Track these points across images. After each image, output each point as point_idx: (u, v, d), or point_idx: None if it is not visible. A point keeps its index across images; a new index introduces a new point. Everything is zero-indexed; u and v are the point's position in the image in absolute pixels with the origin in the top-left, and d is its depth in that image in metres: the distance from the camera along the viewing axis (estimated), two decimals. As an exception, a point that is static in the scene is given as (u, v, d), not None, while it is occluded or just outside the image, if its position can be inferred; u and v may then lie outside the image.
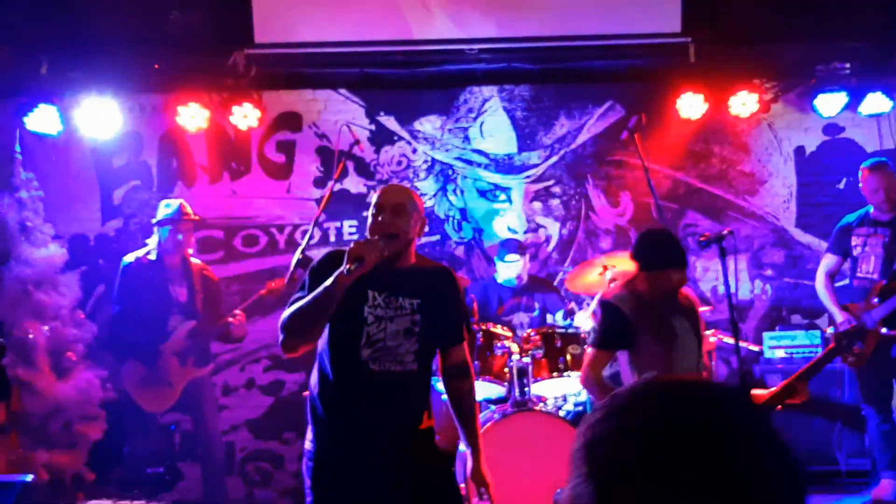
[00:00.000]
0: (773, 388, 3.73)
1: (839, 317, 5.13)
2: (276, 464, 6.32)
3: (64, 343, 5.96)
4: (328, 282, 2.89)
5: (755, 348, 5.94)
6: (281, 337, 3.02)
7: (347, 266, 2.85)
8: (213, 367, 6.19)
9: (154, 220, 5.44)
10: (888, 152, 6.27)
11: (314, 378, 3.11)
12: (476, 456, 3.21)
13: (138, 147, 6.46)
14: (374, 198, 3.13)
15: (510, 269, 5.65)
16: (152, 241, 5.39)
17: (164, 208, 5.40)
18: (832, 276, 5.39)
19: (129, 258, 5.35)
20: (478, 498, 3.23)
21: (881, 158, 5.40)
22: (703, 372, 3.75)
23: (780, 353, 6.02)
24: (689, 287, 3.97)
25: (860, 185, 5.34)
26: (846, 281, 5.53)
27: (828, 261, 5.44)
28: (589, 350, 3.85)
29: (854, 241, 5.27)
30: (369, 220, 3.08)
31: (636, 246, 3.84)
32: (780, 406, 3.66)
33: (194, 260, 5.50)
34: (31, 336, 5.63)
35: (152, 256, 5.33)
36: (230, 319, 5.30)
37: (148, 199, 6.30)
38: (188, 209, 5.42)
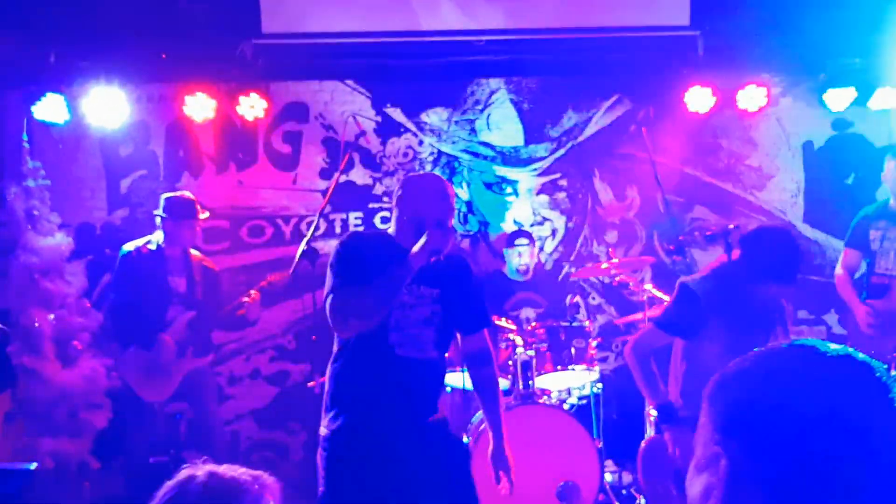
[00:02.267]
0: None
1: (862, 315, 5.05)
2: (280, 454, 6.33)
3: (70, 331, 5.98)
4: (403, 267, 2.95)
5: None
6: (337, 319, 3.02)
7: (426, 256, 2.95)
8: (218, 357, 6.22)
9: (155, 212, 5.39)
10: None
11: (339, 363, 3.12)
12: (499, 439, 3.25)
13: (145, 136, 6.47)
14: (439, 186, 3.16)
15: (520, 256, 5.65)
16: (155, 236, 5.36)
17: (163, 202, 5.35)
18: (851, 272, 5.28)
19: (129, 247, 5.34)
20: (496, 481, 3.24)
21: None
22: None
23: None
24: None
25: (884, 174, 5.18)
26: (857, 274, 5.46)
27: (846, 256, 5.32)
28: (649, 324, 3.67)
29: (872, 234, 5.13)
30: (431, 204, 3.10)
31: (753, 240, 3.49)
32: None
33: (194, 251, 5.50)
34: (37, 324, 5.65)
35: (152, 247, 5.33)
36: (245, 299, 5.29)
37: (155, 188, 6.30)
38: (190, 204, 5.39)
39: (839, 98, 6.15)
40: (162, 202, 5.36)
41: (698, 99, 6.19)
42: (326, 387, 3.16)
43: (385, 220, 6.21)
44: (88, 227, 6.42)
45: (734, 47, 6.17)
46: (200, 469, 1.57)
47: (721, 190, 6.64)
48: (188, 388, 5.33)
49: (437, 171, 6.55)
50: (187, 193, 5.48)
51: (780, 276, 3.37)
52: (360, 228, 6.43)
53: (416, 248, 2.96)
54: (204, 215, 5.46)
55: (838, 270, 5.33)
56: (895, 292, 4.92)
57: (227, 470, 1.55)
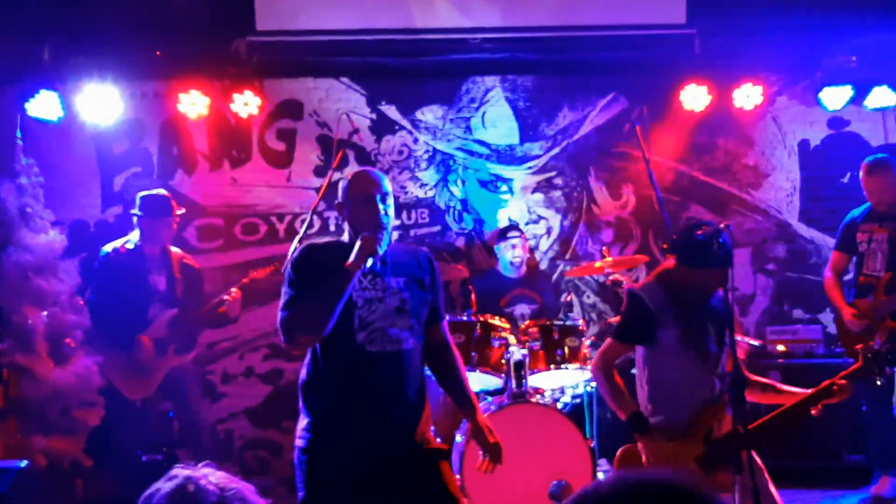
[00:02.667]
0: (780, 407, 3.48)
1: (847, 316, 5.08)
2: (274, 452, 6.32)
3: (63, 329, 5.95)
4: (341, 277, 2.91)
5: (756, 343, 5.91)
6: (285, 337, 2.98)
7: (361, 262, 2.90)
8: (211, 356, 6.21)
9: (132, 212, 5.38)
10: (893, 147, 6.23)
11: (306, 369, 3.09)
12: (475, 418, 3.21)
13: (139, 134, 6.45)
14: (350, 186, 3.10)
15: (514, 248, 5.64)
16: (133, 235, 5.36)
17: (139, 200, 5.34)
18: (839, 274, 5.34)
19: (107, 248, 5.35)
20: (482, 457, 3.20)
21: (881, 157, 5.29)
22: (716, 381, 3.57)
23: (782, 347, 5.99)
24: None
25: (861, 179, 5.29)
26: (849, 275, 5.48)
27: (834, 258, 5.39)
28: (607, 339, 3.70)
29: (860, 237, 5.20)
30: (358, 209, 3.06)
31: (679, 238, 3.59)
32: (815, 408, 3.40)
33: (174, 249, 5.49)
34: (29, 322, 5.62)
35: (130, 246, 5.32)
36: (225, 297, 5.28)
37: (148, 185, 6.25)
38: (163, 203, 5.39)
39: (835, 97, 6.14)
40: (138, 200, 5.37)
41: (694, 97, 6.19)
42: (299, 393, 3.12)
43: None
44: (82, 224, 6.40)
45: (730, 45, 6.16)
46: (183, 471, 1.55)
47: (717, 188, 6.62)
48: (170, 386, 5.32)
49: (431, 169, 6.54)
50: (162, 191, 5.50)
51: (716, 258, 3.39)
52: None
53: (351, 257, 2.93)
54: (179, 212, 5.46)
55: (826, 273, 5.41)
56: (880, 290, 4.97)
57: (216, 477, 1.53)
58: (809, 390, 3.43)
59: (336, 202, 3.18)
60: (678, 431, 3.48)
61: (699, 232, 3.49)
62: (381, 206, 3.04)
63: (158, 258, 5.36)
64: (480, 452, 3.23)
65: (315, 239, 4.78)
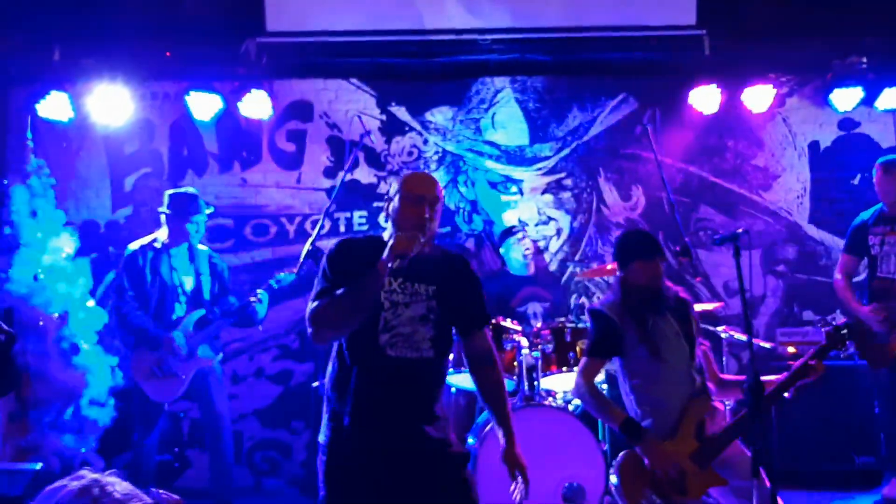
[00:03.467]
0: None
1: (867, 312, 5.04)
2: (284, 453, 6.33)
3: (74, 330, 5.97)
4: (369, 275, 2.89)
5: (767, 345, 5.90)
6: (312, 329, 2.97)
7: (390, 261, 2.87)
8: (222, 357, 6.21)
9: (160, 209, 5.33)
10: (892, 150, 6.21)
11: (331, 367, 3.09)
12: (509, 439, 3.17)
13: (149, 135, 6.46)
14: (403, 184, 3.09)
15: (521, 242, 5.63)
16: (160, 233, 5.29)
17: (166, 199, 5.29)
18: (850, 277, 5.29)
19: (134, 246, 5.27)
20: (511, 479, 3.19)
21: (892, 158, 5.25)
22: (695, 375, 3.69)
23: (792, 349, 5.98)
24: (699, 281, 3.93)
25: (874, 181, 5.23)
26: (861, 276, 5.46)
27: (845, 261, 5.33)
28: (582, 359, 3.85)
29: (871, 240, 5.14)
30: (405, 207, 3.03)
31: (616, 246, 3.91)
32: (788, 391, 3.58)
33: (201, 247, 5.40)
34: (41, 323, 5.64)
35: (157, 245, 5.25)
36: (252, 299, 5.20)
37: (159, 186, 6.29)
38: (191, 201, 5.31)
39: (846, 98, 6.14)
40: (166, 198, 5.31)
41: (704, 98, 6.18)
42: (325, 386, 3.13)
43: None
44: (93, 225, 6.42)
45: (740, 47, 6.15)
46: (80, 480, 1.55)
47: (727, 190, 6.61)
48: (196, 388, 5.24)
49: (441, 171, 6.54)
50: (191, 189, 5.43)
51: (635, 252, 3.73)
52: (366, 227, 6.43)
53: (383, 255, 2.89)
54: (209, 210, 5.41)
55: (837, 275, 5.34)
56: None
57: (113, 485, 1.54)
58: (781, 375, 3.62)
59: (385, 197, 3.17)
60: (669, 430, 3.59)
61: (622, 235, 3.94)
62: (427, 210, 3.01)
63: (186, 257, 5.28)
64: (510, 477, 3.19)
65: (318, 241, 4.80)
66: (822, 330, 3.72)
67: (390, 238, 2.94)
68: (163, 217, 5.28)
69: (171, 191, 5.40)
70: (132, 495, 1.53)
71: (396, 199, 3.09)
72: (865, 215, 5.28)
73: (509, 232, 5.80)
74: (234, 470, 5.51)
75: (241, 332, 6.28)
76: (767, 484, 3.33)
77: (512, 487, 3.14)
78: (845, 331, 3.68)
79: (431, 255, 3.09)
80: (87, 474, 1.56)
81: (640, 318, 3.68)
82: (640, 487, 3.55)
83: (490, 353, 3.21)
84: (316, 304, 2.98)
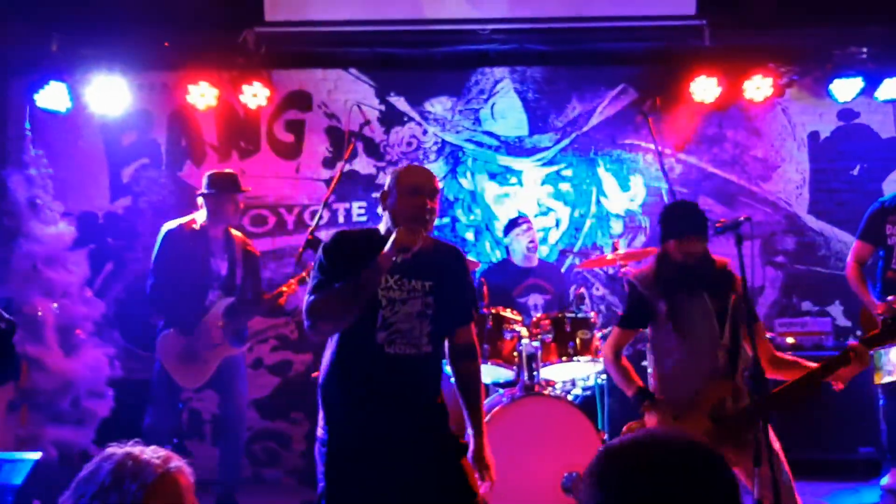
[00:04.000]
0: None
1: (881, 310, 4.95)
2: (283, 444, 6.32)
3: (72, 320, 5.96)
4: (370, 268, 2.86)
5: (766, 335, 5.89)
6: (309, 323, 2.95)
7: (393, 254, 2.85)
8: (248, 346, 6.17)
9: (199, 192, 5.18)
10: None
11: (326, 363, 3.07)
12: (479, 439, 3.17)
13: (148, 125, 6.44)
14: (400, 177, 3.06)
15: (527, 233, 5.63)
16: (198, 215, 5.11)
17: (206, 179, 5.15)
18: (863, 265, 5.13)
19: (171, 225, 5.11)
20: (480, 480, 3.18)
21: None
22: (721, 355, 3.61)
23: (791, 340, 5.99)
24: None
25: None
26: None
27: (858, 248, 5.17)
28: (613, 328, 3.89)
29: (889, 229, 4.98)
30: (404, 200, 3.01)
31: (660, 217, 3.82)
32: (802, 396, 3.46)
33: (236, 233, 5.26)
34: (40, 313, 5.63)
35: (196, 226, 5.08)
36: (284, 288, 5.06)
37: (157, 177, 6.28)
38: (234, 179, 5.19)
39: (846, 88, 6.12)
40: (205, 180, 5.15)
41: (704, 89, 6.16)
42: (319, 382, 3.10)
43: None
44: (91, 215, 6.40)
45: (740, 37, 6.13)
46: (120, 448, 1.60)
47: (726, 180, 6.60)
48: (221, 377, 5.08)
49: (440, 161, 6.53)
50: (229, 170, 5.33)
51: (684, 227, 3.63)
52: (364, 219, 6.42)
53: (385, 248, 2.87)
54: (246, 189, 5.28)
55: (850, 262, 5.17)
56: None
57: (141, 451, 1.60)
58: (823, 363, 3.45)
59: (382, 191, 3.12)
60: (683, 406, 3.54)
61: (670, 206, 3.82)
62: (427, 202, 2.99)
63: (222, 241, 5.12)
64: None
65: (349, 227, 4.73)
66: (879, 319, 3.50)
67: (392, 232, 2.91)
68: (200, 199, 5.13)
69: (210, 172, 5.24)
70: (165, 456, 1.60)
71: (394, 192, 3.06)
72: (885, 199, 5.09)
73: (515, 223, 5.77)
74: (242, 462, 5.46)
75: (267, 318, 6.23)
76: (786, 473, 3.31)
77: (481, 486, 3.13)
78: None
79: (428, 249, 3.05)
80: (115, 450, 1.60)
81: (670, 294, 3.64)
82: None
83: (473, 348, 3.24)
84: (313, 297, 2.95)
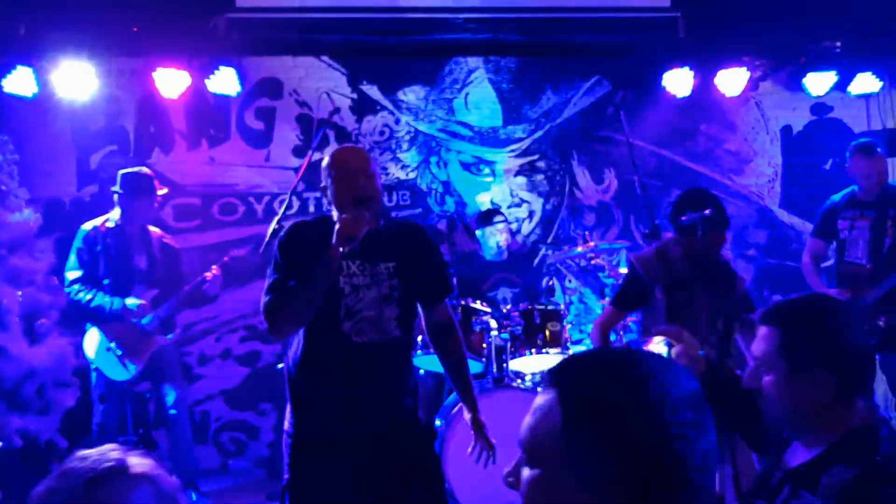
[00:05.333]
0: None
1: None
2: (250, 434, 6.27)
3: (38, 308, 5.86)
4: (320, 264, 2.80)
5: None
6: (268, 324, 2.89)
7: (340, 246, 2.77)
8: (188, 337, 6.15)
9: (113, 189, 5.29)
10: (875, 133, 6.23)
11: (293, 355, 3.01)
12: (474, 412, 3.18)
13: (116, 111, 6.33)
14: (330, 164, 2.99)
15: (499, 234, 5.61)
16: (114, 213, 5.25)
17: (138, 180, 5.24)
18: (818, 260, 5.25)
19: (87, 226, 5.24)
20: (476, 446, 3.17)
21: (870, 140, 5.17)
22: (706, 349, 3.61)
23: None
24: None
25: (847, 165, 5.12)
26: (829, 262, 5.46)
27: (813, 244, 5.28)
28: (607, 305, 3.92)
29: (841, 224, 5.09)
30: (337, 185, 2.94)
31: (674, 205, 3.80)
32: None
33: (153, 228, 5.40)
34: (4, 301, 5.53)
35: (111, 224, 5.22)
36: (206, 275, 5.19)
37: (125, 164, 6.14)
38: (144, 181, 5.28)
39: (819, 82, 6.14)
40: (119, 178, 5.26)
41: (678, 81, 6.15)
42: (285, 376, 3.05)
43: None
44: (58, 202, 6.30)
45: (715, 29, 6.12)
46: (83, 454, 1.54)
47: (699, 174, 6.61)
48: (153, 368, 5.24)
49: (413, 151, 6.48)
50: (144, 169, 5.37)
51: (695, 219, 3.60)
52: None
53: (333, 239, 2.79)
54: (162, 191, 5.37)
55: (805, 259, 5.31)
56: (864, 281, 4.91)
57: (102, 453, 1.54)
58: None
59: (321, 185, 3.06)
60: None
61: (685, 194, 3.77)
62: (362, 180, 2.91)
63: (139, 237, 5.28)
64: (474, 443, 3.18)
65: (303, 217, 4.71)
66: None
67: (335, 223, 2.83)
68: (116, 197, 5.24)
69: (124, 170, 5.33)
70: (131, 453, 1.55)
71: (328, 183, 2.98)
72: (836, 198, 5.21)
73: (490, 218, 5.72)
74: (194, 451, 5.48)
75: (209, 312, 6.21)
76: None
77: (473, 452, 3.15)
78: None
79: (387, 229, 3.01)
80: (112, 454, 1.54)
81: (673, 282, 3.64)
82: None
83: (452, 324, 3.19)
84: (269, 297, 2.88)
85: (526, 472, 1.16)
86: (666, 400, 1.09)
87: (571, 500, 1.10)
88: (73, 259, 5.20)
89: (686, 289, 3.62)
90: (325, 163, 3.03)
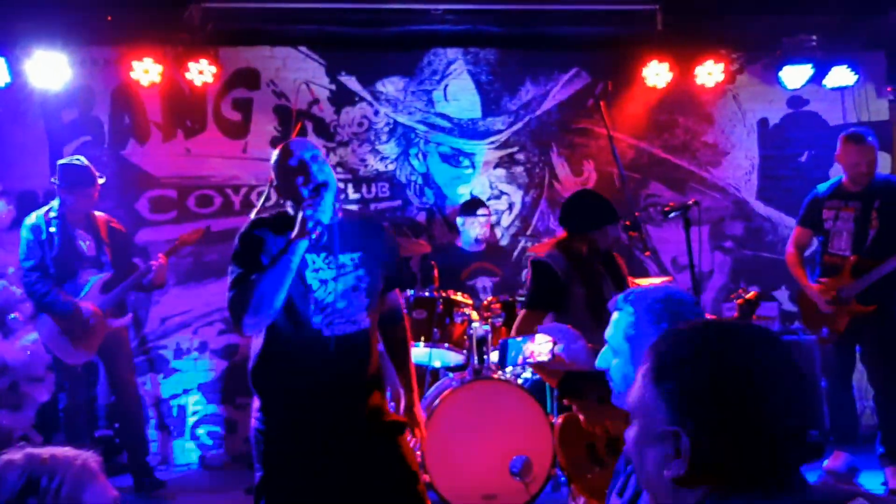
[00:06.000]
0: None
1: (815, 289, 5.03)
2: (228, 428, 6.22)
3: (10, 302, 5.80)
4: (285, 252, 2.76)
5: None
6: (233, 319, 2.84)
7: (305, 234, 2.75)
8: (165, 330, 6.10)
9: (52, 180, 5.26)
10: (850, 126, 6.27)
11: (257, 350, 2.97)
12: (409, 395, 3.24)
13: (89, 102, 6.23)
14: (276, 160, 2.98)
15: (480, 227, 5.59)
16: (55, 203, 5.21)
17: (75, 171, 5.19)
18: (802, 250, 5.22)
19: (31, 219, 5.17)
20: (411, 436, 3.20)
21: (862, 129, 5.11)
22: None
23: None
24: (648, 256, 3.93)
25: (837, 154, 5.03)
26: (812, 249, 5.47)
27: (797, 234, 5.24)
28: (521, 311, 3.81)
29: (825, 214, 5.06)
30: (288, 178, 2.91)
31: (565, 211, 3.82)
32: None
33: (98, 213, 5.35)
34: (-24, 294, 5.46)
35: (53, 213, 5.17)
36: (152, 263, 5.20)
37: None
38: (83, 172, 5.21)
39: (795, 75, 6.18)
40: (57, 169, 5.21)
41: (656, 74, 6.19)
42: (249, 368, 3.01)
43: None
44: (30, 194, 6.17)
45: (693, 22, 6.14)
46: (18, 452, 1.54)
47: (676, 166, 6.64)
48: (104, 352, 5.23)
49: (392, 143, 6.44)
50: (83, 160, 5.27)
51: (606, 217, 3.66)
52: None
53: (295, 230, 2.78)
54: (101, 180, 5.29)
55: (789, 248, 5.27)
56: (847, 272, 4.92)
57: (45, 450, 1.55)
58: None
59: (271, 182, 3.03)
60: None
61: (580, 199, 3.86)
62: (310, 171, 2.88)
63: (83, 223, 5.24)
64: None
65: (263, 213, 4.67)
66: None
67: (299, 212, 2.81)
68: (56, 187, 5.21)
69: (61, 161, 5.29)
70: (68, 450, 1.57)
71: (278, 176, 2.97)
72: (822, 188, 5.17)
73: (472, 211, 5.69)
74: (146, 435, 5.59)
75: (186, 304, 6.15)
76: None
77: (411, 441, 3.20)
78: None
79: (347, 221, 3.00)
80: (12, 456, 1.54)
81: (587, 275, 3.64)
82: (577, 451, 3.52)
83: (400, 311, 3.28)
84: (233, 292, 2.83)
85: (630, 431, 1.31)
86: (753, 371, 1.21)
87: (661, 450, 1.23)
88: (23, 250, 5.14)
89: (600, 281, 3.68)
90: (274, 157, 3.00)
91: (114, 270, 5.23)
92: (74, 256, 5.16)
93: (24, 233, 5.14)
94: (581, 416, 3.48)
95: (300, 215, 2.79)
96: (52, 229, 5.12)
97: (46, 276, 5.07)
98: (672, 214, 3.61)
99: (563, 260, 3.68)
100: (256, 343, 2.98)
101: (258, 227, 2.96)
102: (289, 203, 2.99)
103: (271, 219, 3.02)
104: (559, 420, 3.62)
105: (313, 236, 2.77)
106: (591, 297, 3.61)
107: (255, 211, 4.66)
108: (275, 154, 3.02)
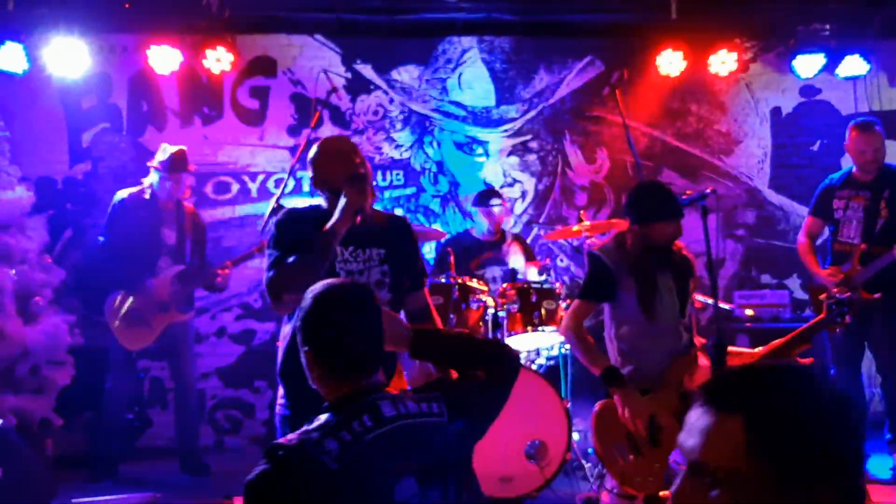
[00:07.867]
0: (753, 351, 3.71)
1: (826, 276, 5.06)
2: (245, 412, 6.31)
3: (31, 287, 5.83)
4: (326, 232, 2.88)
5: (725, 306, 5.99)
6: (272, 296, 2.95)
7: (349, 215, 2.88)
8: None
9: (150, 164, 5.32)
10: (863, 115, 6.30)
11: (286, 344, 3.04)
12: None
13: (108, 88, 6.29)
14: (320, 150, 3.09)
15: (493, 216, 5.63)
16: (147, 180, 5.28)
17: (161, 154, 5.27)
18: (814, 239, 5.27)
19: (123, 193, 5.24)
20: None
21: (870, 118, 5.17)
22: (683, 332, 3.70)
23: (750, 312, 6.09)
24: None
25: (846, 143, 5.09)
26: (823, 237, 5.50)
27: (809, 223, 5.29)
28: (574, 301, 3.85)
29: (836, 203, 5.10)
30: (334, 166, 3.02)
31: (629, 198, 3.78)
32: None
33: (187, 204, 5.41)
34: (-3, 280, 5.52)
35: (147, 196, 5.23)
36: (220, 271, 5.22)
37: (118, 142, 6.16)
38: (184, 158, 5.26)
39: (808, 64, 6.19)
40: (160, 155, 5.27)
41: (670, 62, 6.19)
42: (279, 355, 3.09)
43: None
44: (49, 180, 6.27)
45: (707, 11, 6.15)
46: None
47: (689, 154, 6.67)
48: (167, 343, 5.28)
49: (407, 131, 6.49)
50: (181, 148, 5.33)
51: (663, 212, 3.59)
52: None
53: (337, 212, 2.90)
54: (193, 168, 5.39)
55: (801, 238, 5.32)
56: (856, 260, 4.96)
57: None
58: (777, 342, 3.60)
59: (311, 177, 3.12)
60: (650, 384, 3.58)
61: (645, 188, 3.75)
62: (356, 158, 3.03)
63: (172, 212, 5.29)
64: None
65: (295, 204, 4.73)
66: (826, 303, 3.66)
67: (342, 196, 2.92)
68: (154, 171, 5.25)
69: (165, 146, 5.33)
70: None
71: (321, 167, 3.07)
72: (834, 177, 5.20)
73: (486, 201, 5.72)
74: (199, 429, 5.54)
75: (203, 290, 6.22)
76: None
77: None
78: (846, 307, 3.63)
79: (376, 218, 3.10)
80: None
81: (640, 268, 3.63)
82: (614, 437, 3.58)
83: (429, 310, 3.30)
84: (273, 272, 2.95)
85: (708, 494, 1.21)
86: (833, 414, 1.18)
87: None
88: (104, 225, 5.25)
89: (655, 274, 3.65)
90: (313, 153, 3.10)
91: (190, 263, 5.27)
92: (156, 244, 5.20)
93: (111, 210, 5.21)
94: (624, 409, 3.53)
95: (342, 202, 2.90)
96: (140, 211, 5.17)
97: (120, 257, 5.12)
98: (689, 203, 3.63)
99: (616, 253, 3.69)
100: (285, 337, 3.05)
101: (294, 215, 3.08)
102: (324, 195, 3.08)
103: (306, 210, 3.14)
104: (597, 407, 3.69)
105: (356, 221, 2.88)
106: (644, 290, 3.62)
107: (275, 198, 4.76)
108: (315, 147, 3.11)
